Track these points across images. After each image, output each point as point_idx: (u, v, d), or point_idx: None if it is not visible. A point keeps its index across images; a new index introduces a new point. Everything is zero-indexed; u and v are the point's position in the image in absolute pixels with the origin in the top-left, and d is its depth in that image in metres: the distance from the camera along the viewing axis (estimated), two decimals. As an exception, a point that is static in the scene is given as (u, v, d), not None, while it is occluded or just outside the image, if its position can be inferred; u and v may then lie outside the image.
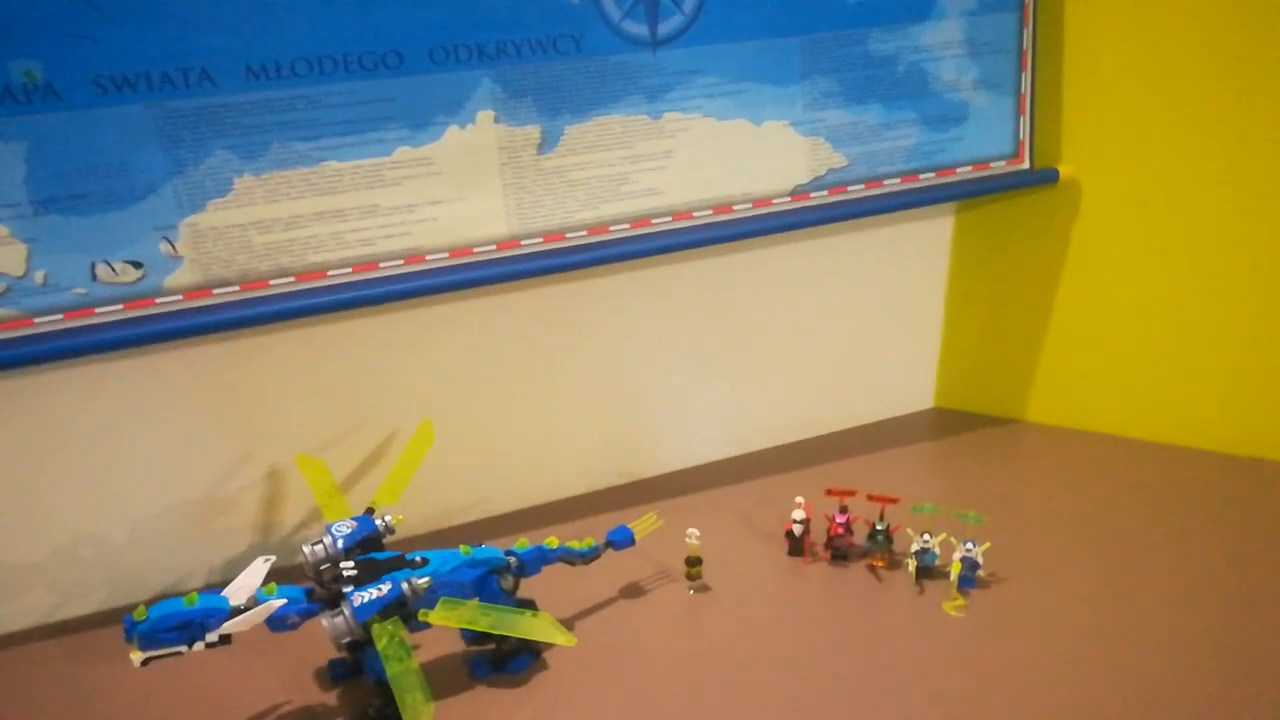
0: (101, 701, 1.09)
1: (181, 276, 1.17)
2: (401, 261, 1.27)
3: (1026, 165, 1.56)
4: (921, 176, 1.51)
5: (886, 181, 1.49)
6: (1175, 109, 1.42)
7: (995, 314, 1.68)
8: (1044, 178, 1.54)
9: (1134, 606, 1.15)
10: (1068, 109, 1.53)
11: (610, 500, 1.49)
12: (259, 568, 0.97)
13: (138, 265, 1.15)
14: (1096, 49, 1.47)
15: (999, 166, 1.55)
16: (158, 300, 1.17)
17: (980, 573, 1.21)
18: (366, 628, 0.95)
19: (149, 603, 0.91)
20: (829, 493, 1.29)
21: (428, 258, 1.28)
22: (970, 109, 1.50)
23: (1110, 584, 1.20)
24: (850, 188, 1.47)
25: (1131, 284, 1.53)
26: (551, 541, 1.14)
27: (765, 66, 1.37)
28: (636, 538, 1.21)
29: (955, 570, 1.19)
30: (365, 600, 0.96)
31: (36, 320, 1.12)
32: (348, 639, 0.96)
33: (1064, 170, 1.53)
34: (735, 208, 1.42)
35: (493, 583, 1.06)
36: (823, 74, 1.40)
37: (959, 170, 1.53)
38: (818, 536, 1.31)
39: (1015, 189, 1.57)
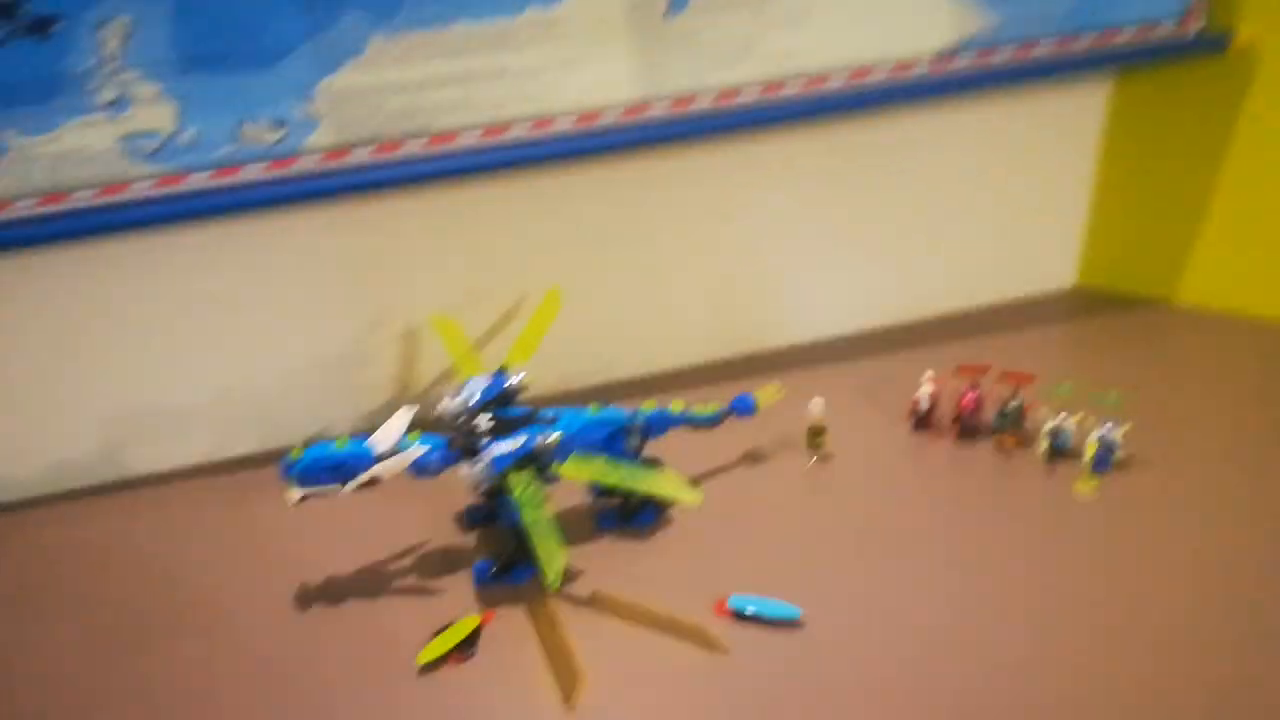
0: (259, 535, 1.18)
1: (319, 137, 1.19)
2: (530, 125, 1.26)
3: (1199, 27, 1.42)
4: (1078, 40, 1.40)
5: (1040, 44, 1.39)
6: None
7: (1150, 189, 1.58)
8: (1213, 43, 1.41)
9: (1272, 504, 1.09)
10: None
11: (734, 370, 1.49)
12: (403, 416, 1.01)
13: (279, 125, 1.17)
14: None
15: (1167, 28, 1.42)
16: (298, 160, 1.20)
17: (1118, 455, 1.17)
18: (503, 476, 0.99)
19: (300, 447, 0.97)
20: (961, 370, 1.25)
21: (555, 122, 1.27)
22: (1139, -38, 1.38)
23: (1251, 479, 1.14)
24: (999, 51, 1.38)
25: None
26: (676, 405, 1.15)
27: (914, -87, 1.28)
28: (760, 406, 1.21)
29: (1090, 451, 1.15)
30: (501, 452, 0.99)
31: (189, 178, 1.16)
32: (485, 486, 1.00)
33: (1240, 36, 1.40)
34: (873, 71, 1.35)
35: (619, 441, 1.08)
36: (977, -79, 1.30)
37: (1121, 33, 1.41)
38: (945, 413, 1.28)
39: (1183, 54, 1.44)
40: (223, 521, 1.22)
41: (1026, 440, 1.24)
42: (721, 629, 0.94)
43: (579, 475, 1.01)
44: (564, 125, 1.27)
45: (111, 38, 1.09)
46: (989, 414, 1.26)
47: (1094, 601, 0.96)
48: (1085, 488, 1.14)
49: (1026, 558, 1.03)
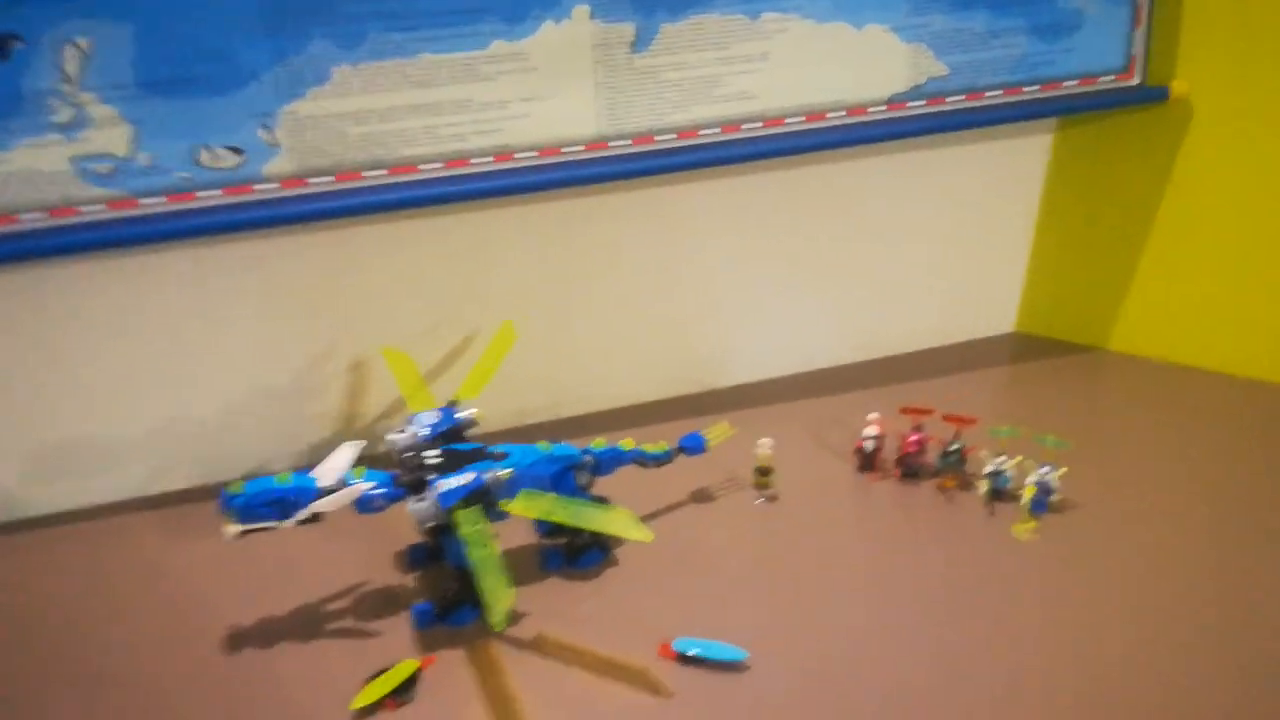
0: (193, 572, 1.16)
1: (279, 164, 1.19)
2: (491, 159, 1.27)
3: (1137, 81, 1.48)
4: (1025, 89, 1.45)
5: (988, 93, 1.43)
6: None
7: (1088, 237, 1.63)
8: (1154, 95, 1.46)
9: (1209, 542, 1.13)
10: (1187, 23, 1.44)
11: (684, 408, 1.50)
12: (347, 451, 1.01)
13: (238, 151, 1.17)
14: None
15: (1107, 81, 1.48)
16: (255, 187, 1.19)
17: (1054, 498, 1.20)
18: (450, 514, 0.99)
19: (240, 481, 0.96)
20: (904, 411, 1.28)
21: (517, 156, 1.28)
22: (1084, 18, 1.43)
23: (1187, 519, 1.18)
24: (949, 98, 1.42)
25: (1235, 213, 1.46)
26: (627, 443, 1.16)
27: (871, -33, 1.31)
28: (709, 445, 1.22)
29: (1029, 494, 1.18)
30: (450, 487, 0.99)
31: (142, 202, 1.15)
32: (431, 524, 0.99)
33: (1176, 88, 1.45)
34: (828, 115, 1.38)
35: (569, 479, 1.09)
36: (931, -24, 1.34)
37: (1065, 84, 1.46)
38: (889, 454, 1.31)
39: (1123, 105, 1.50)
40: (151, 559, 1.19)
41: (967, 482, 1.27)
42: (666, 671, 0.95)
43: (528, 512, 1.01)
44: (525, 159, 1.28)
45: (71, 59, 1.08)
46: (932, 456, 1.29)
47: (1032, 641, 0.98)
48: (1023, 529, 1.18)
49: (967, 599, 1.06)
